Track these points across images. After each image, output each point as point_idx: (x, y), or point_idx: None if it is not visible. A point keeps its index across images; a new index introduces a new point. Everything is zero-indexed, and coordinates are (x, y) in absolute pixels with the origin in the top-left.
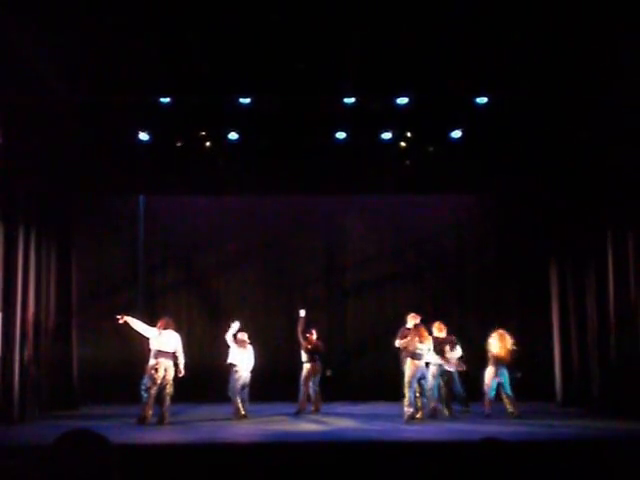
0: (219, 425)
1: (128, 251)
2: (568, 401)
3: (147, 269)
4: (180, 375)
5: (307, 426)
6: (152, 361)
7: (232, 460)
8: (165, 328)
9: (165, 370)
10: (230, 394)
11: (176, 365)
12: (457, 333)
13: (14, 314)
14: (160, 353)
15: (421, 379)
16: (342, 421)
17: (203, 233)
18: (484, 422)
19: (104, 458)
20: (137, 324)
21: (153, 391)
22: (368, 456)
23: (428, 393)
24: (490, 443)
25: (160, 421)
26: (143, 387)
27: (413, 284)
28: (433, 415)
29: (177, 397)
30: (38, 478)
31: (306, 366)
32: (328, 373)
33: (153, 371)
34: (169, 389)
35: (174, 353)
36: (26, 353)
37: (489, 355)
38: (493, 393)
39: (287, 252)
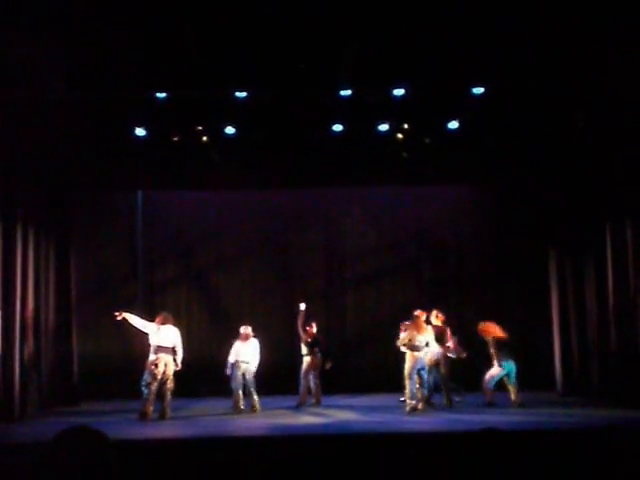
0: (220, 419)
1: (127, 247)
2: (568, 391)
3: (146, 265)
4: (176, 369)
5: (308, 419)
6: (152, 357)
7: (234, 454)
8: (163, 323)
9: (165, 365)
10: (233, 387)
11: (174, 359)
12: (456, 325)
13: (14, 312)
14: (160, 348)
15: (421, 370)
16: (343, 413)
17: (202, 228)
18: (484, 412)
19: (103, 454)
20: (136, 320)
21: (154, 387)
22: (370, 448)
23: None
24: (490, 433)
25: (161, 416)
26: (143, 383)
27: (412, 276)
28: (428, 403)
29: (178, 392)
30: (38, 475)
31: (306, 359)
32: (327, 366)
33: (153, 367)
34: (170, 384)
35: (174, 348)
36: (26, 351)
37: (492, 344)
38: (494, 383)
39: (286, 246)
